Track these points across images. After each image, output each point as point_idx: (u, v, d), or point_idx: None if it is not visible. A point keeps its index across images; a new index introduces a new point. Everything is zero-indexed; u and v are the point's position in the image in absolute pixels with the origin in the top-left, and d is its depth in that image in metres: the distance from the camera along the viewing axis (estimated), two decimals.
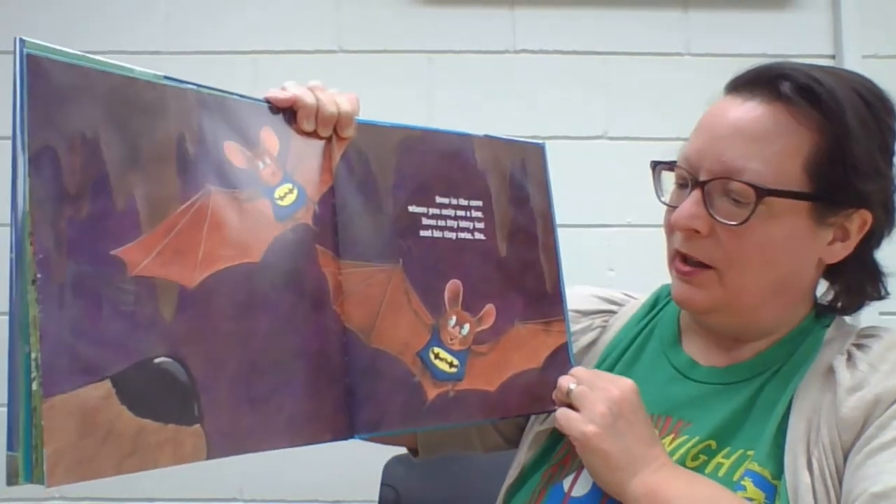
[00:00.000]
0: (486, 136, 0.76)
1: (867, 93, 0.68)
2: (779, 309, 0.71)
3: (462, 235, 0.73)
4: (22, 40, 0.51)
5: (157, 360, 0.54)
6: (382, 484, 1.24)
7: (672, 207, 0.71)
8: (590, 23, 1.50)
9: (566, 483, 0.71)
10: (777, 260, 0.67)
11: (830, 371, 0.66)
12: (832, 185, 0.66)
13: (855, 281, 0.72)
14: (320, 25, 1.50)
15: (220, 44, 1.47)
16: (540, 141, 0.80)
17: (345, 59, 1.49)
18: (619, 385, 0.67)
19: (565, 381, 0.70)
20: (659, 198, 0.73)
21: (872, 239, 0.70)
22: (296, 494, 1.44)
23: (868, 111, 0.67)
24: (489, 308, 0.73)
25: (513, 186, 0.77)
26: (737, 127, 0.67)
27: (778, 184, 0.65)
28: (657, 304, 0.83)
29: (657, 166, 0.73)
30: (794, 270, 0.69)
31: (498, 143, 0.77)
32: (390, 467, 1.25)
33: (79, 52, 0.53)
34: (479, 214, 0.74)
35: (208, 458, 0.56)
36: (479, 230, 0.74)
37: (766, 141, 0.66)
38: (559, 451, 0.75)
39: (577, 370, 0.72)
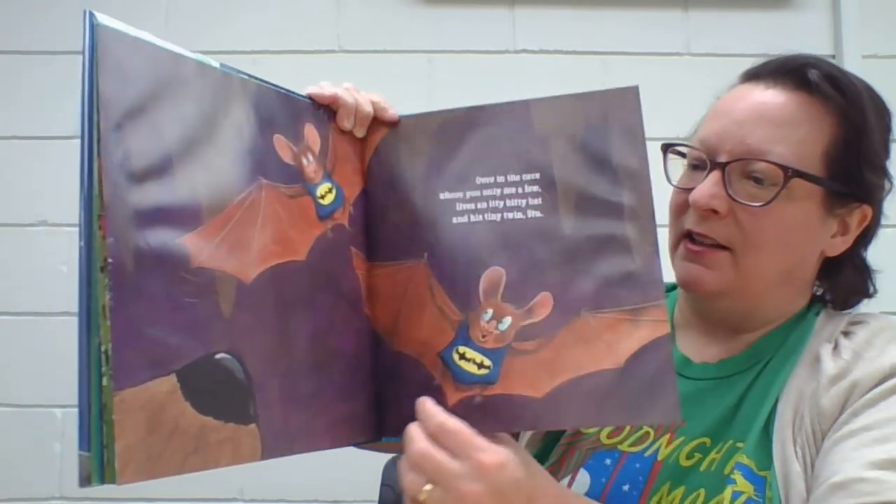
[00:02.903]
0: (551, 96, 0.65)
1: (874, 93, 0.71)
2: (782, 298, 0.72)
3: (510, 216, 0.63)
4: (91, 13, 0.48)
5: (217, 356, 0.52)
6: (382, 484, 1.24)
7: (683, 189, 0.71)
8: (590, 23, 1.50)
9: (563, 484, 0.71)
10: (790, 245, 0.68)
11: (818, 360, 0.67)
12: (846, 174, 0.68)
13: (848, 278, 0.73)
14: (320, 25, 1.50)
15: (220, 44, 1.47)
16: (632, 84, 0.64)
17: (345, 59, 1.49)
18: (484, 469, 0.53)
19: (414, 486, 0.54)
20: (669, 180, 0.73)
21: (867, 236, 0.72)
22: (296, 494, 1.44)
23: (876, 108, 0.70)
24: (543, 297, 0.62)
25: (587, 147, 0.63)
26: (762, 112, 0.68)
27: (801, 168, 0.66)
28: None
29: (668, 149, 0.74)
30: (802, 259, 0.70)
31: (568, 100, 0.64)
32: (390, 467, 1.25)
33: (143, 33, 0.51)
34: (536, 189, 0.63)
35: (263, 458, 0.55)
36: (535, 207, 0.63)
37: (792, 126, 0.67)
38: (555, 452, 0.75)
39: (418, 447, 0.55)
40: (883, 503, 0.55)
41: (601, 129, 0.63)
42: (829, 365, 0.65)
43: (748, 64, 0.75)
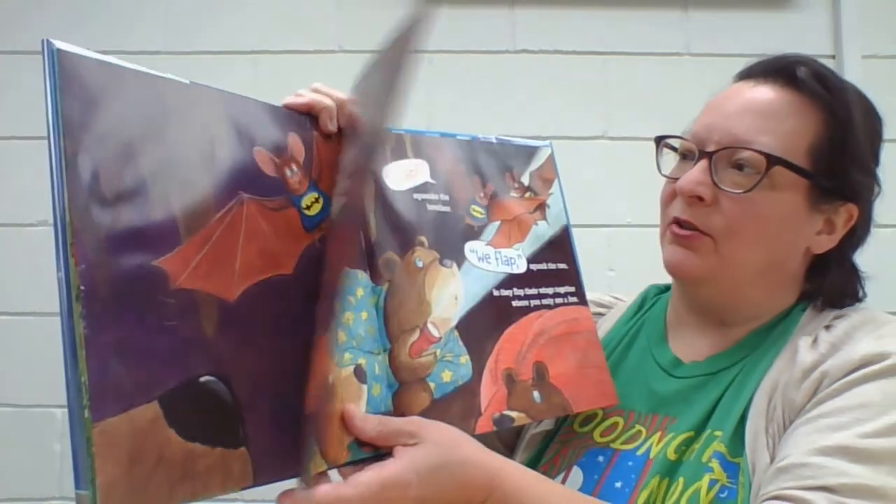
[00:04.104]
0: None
1: (863, 97, 0.72)
2: (766, 292, 0.72)
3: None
4: (49, 41, 0.48)
5: (202, 380, 0.50)
6: None
7: (673, 179, 0.73)
8: (590, 23, 1.50)
9: (556, 481, 0.71)
10: (771, 235, 0.69)
11: (796, 352, 0.67)
12: (831, 170, 0.69)
13: (835, 279, 0.73)
14: (320, 25, 1.49)
15: (220, 44, 1.47)
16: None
17: (345, 59, 1.49)
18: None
19: None
20: (660, 171, 0.75)
21: (854, 237, 0.73)
22: None
23: (864, 109, 0.71)
24: None
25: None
26: (749, 106, 0.70)
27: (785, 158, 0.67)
28: (644, 304, 0.85)
29: (661, 141, 0.75)
30: (784, 252, 0.71)
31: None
32: None
33: (105, 56, 0.51)
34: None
35: (255, 483, 0.53)
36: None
37: (777, 119, 0.69)
38: (549, 450, 0.76)
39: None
40: (821, 487, 0.56)
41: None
42: (806, 357, 0.66)
43: (748, 64, 0.76)
